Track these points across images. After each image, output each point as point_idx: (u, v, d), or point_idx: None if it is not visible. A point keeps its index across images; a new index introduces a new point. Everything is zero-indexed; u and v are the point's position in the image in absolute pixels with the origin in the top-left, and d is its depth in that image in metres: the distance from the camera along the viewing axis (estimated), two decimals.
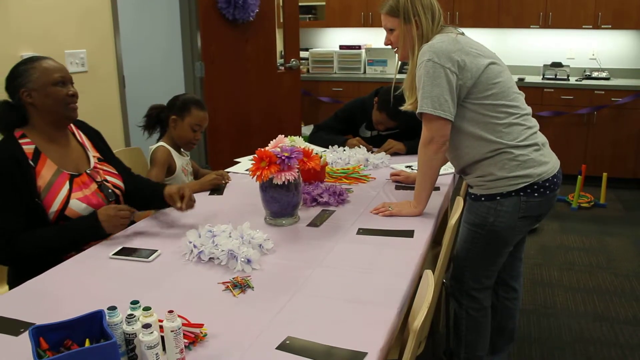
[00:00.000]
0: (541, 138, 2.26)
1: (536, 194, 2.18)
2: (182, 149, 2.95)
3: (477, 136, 2.19)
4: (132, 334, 1.31)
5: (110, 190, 2.27)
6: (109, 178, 2.31)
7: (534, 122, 2.26)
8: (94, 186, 2.22)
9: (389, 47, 2.35)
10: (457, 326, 2.46)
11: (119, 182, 2.36)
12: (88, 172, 2.24)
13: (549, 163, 2.22)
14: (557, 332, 3.19)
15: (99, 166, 2.31)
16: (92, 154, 2.33)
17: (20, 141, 2.10)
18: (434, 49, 2.12)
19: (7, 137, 2.11)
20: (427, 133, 2.20)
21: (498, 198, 2.19)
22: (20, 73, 2.09)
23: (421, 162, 2.28)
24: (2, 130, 2.14)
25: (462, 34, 2.25)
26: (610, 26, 5.78)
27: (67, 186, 2.13)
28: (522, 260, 2.60)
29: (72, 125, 2.31)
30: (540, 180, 2.17)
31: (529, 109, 2.27)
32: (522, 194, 2.17)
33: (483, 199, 2.22)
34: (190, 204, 2.27)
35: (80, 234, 2.09)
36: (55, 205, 2.09)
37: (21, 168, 2.04)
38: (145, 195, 2.39)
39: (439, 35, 2.20)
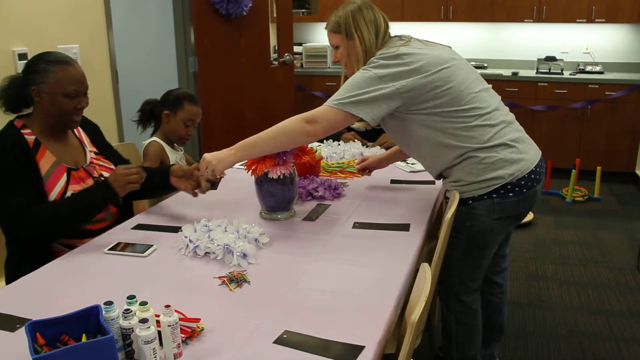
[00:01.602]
0: (512, 134, 2.14)
1: (511, 194, 2.11)
2: (175, 144, 2.94)
3: (440, 143, 2.12)
4: (129, 329, 1.31)
5: None
6: (105, 174, 2.29)
7: (500, 118, 2.14)
8: (90, 182, 2.22)
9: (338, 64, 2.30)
10: (446, 329, 2.44)
11: None
12: (85, 167, 2.24)
13: (522, 160, 2.12)
14: (551, 325, 3.20)
15: (95, 161, 2.31)
16: (89, 149, 2.33)
17: (22, 131, 2.11)
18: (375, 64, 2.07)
19: (9, 127, 2.13)
20: (319, 116, 2.06)
21: (470, 202, 2.14)
22: (38, 69, 2.07)
23: (282, 128, 2.10)
24: (7, 107, 2.13)
25: (409, 41, 2.15)
26: (604, 20, 5.79)
27: (64, 178, 2.14)
28: (506, 256, 2.57)
29: None
30: (513, 179, 2.10)
31: (494, 104, 2.15)
32: (495, 195, 2.11)
33: (457, 203, 2.16)
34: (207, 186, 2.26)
35: (91, 196, 2.09)
36: (53, 196, 2.09)
37: (23, 151, 2.06)
38: (152, 180, 2.33)
39: (379, 52, 2.12)
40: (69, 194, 2.12)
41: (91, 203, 2.09)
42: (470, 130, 2.08)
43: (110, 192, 2.08)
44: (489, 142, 2.08)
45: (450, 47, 2.24)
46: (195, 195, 2.28)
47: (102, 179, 2.23)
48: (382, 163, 2.74)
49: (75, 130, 2.31)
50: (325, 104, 2.08)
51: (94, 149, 2.36)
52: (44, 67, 2.07)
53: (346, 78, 2.18)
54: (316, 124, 2.06)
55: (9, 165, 2.02)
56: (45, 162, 2.11)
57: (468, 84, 2.11)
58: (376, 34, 2.16)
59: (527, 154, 2.15)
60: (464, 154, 2.10)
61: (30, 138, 2.11)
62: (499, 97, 2.24)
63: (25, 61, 3.17)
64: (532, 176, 2.14)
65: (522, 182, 2.11)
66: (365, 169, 2.75)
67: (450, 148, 2.11)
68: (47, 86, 2.06)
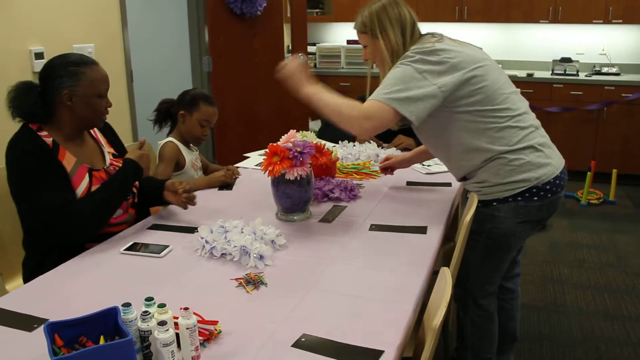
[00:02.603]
0: (540, 138, 2.14)
1: (535, 198, 2.10)
2: (190, 144, 2.93)
3: (470, 146, 2.10)
4: (147, 331, 1.30)
5: None
6: None
7: (529, 122, 2.13)
8: None
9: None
10: (462, 332, 2.43)
11: None
12: (105, 168, 2.22)
13: (548, 165, 2.11)
14: (567, 330, 3.17)
15: (115, 162, 2.29)
16: (107, 150, 2.31)
17: (39, 133, 2.06)
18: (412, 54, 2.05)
19: (24, 129, 2.07)
20: (371, 111, 2.03)
21: (494, 204, 2.13)
22: (68, 73, 2.03)
23: (341, 104, 2.11)
24: (21, 116, 2.07)
25: (442, 38, 2.14)
26: (621, 21, 5.74)
27: (87, 178, 2.11)
28: (519, 262, 2.55)
29: None
30: (539, 183, 2.08)
31: (523, 107, 2.15)
32: (520, 198, 2.09)
33: (480, 205, 2.15)
34: (191, 198, 2.25)
35: (124, 176, 2.14)
36: (78, 195, 2.06)
37: (44, 150, 2.03)
38: (150, 190, 2.37)
39: (413, 47, 2.11)
40: None
41: (125, 182, 2.14)
42: (500, 131, 2.07)
43: (138, 167, 2.15)
44: (517, 144, 2.07)
45: (481, 49, 2.23)
46: (185, 207, 2.27)
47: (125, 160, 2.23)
48: (404, 163, 2.76)
49: (91, 131, 2.30)
50: (373, 98, 2.04)
51: (112, 150, 2.34)
52: (74, 69, 2.03)
53: (372, 78, 2.15)
54: (371, 121, 2.04)
55: (36, 164, 1.99)
56: (67, 162, 2.08)
57: (500, 85, 2.10)
58: (402, 33, 2.15)
59: (553, 159, 2.14)
60: (492, 155, 2.09)
61: (48, 140, 2.07)
62: (527, 102, 2.22)
63: (42, 60, 3.22)
64: (557, 182, 2.12)
65: (547, 187, 2.10)
66: (388, 168, 2.75)
67: (479, 149, 2.10)
68: (81, 88, 2.04)
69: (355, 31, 2.28)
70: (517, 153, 2.07)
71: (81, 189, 2.08)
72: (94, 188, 2.11)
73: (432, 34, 2.18)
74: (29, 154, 2.00)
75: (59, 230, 1.98)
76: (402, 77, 2.02)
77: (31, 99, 2.05)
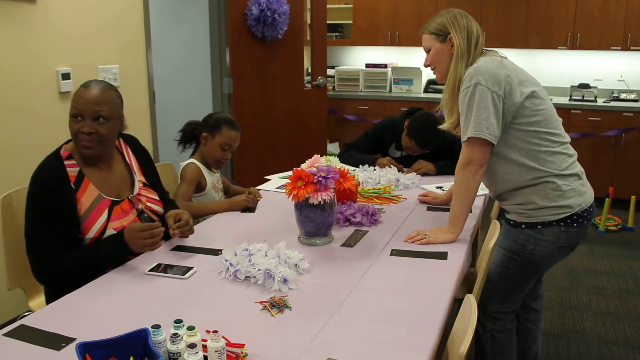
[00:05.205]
0: (580, 167, 2.25)
1: (575, 225, 2.18)
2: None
3: (519, 163, 2.17)
4: (177, 353, 1.32)
5: (146, 216, 2.24)
6: (148, 204, 2.28)
7: (573, 151, 2.25)
8: (132, 214, 2.19)
9: (428, 68, 2.38)
10: (481, 348, 2.44)
11: (159, 208, 2.32)
12: (130, 198, 2.22)
13: (586, 193, 2.22)
14: (587, 358, 3.14)
15: (143, 192, 2.28)
16: (138, 177, 2.30)
17: (66, 162, 2.08)
18: (480, 72, 2.11)
19: (54, 156, 2.10)
20: (467, 155, 2.18)
21: (539, 227, 2.18)
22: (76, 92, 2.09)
23: (458, 185, 2.25)
24: None
25: (505, 57, 2.24)
26: (639, 48, 5.74)
27: (105, 214, 2.10)
28: (542, 281, 2.62)
29: (122, 142, 2.31)
30: (579, 210, 2.17)
31: (568, 137, 2.26)
32: (562, 224, 2.17)
33: (524, 226, 2.21)
34: (186, 229, 2.21)
35: (113, 254, 2.05)
36: (92, 233, 2.07)
37: (64, 190, 2.03)
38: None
39: (483, 58, 2.20)
40: (107, 232, 2.08)
41: (112, 258, 2.05)
42: (552, 155, 2.16)
43: (130, 250, 2.04)
44: (565, 170, 2.17)
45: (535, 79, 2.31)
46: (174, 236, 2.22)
47: (145, 210, 2.23)
48: (439, 203, 2.82)
49: (125, 153, 2.30)
50: (469, 135, 2.15)
51: (143, 179, 2.33)
52: (77, 89, 2.09)
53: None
54: (471, 165, 2.18)
55: (48, 202, 2.00)
56: (87, 197, 2.08)
57: (554, 112, 2.22)
58: (468, 40, 2.24)
59: (588, 188, 2.25)
60: (541, 177, 2.16)
61: (74, 171, 2.08)
62: None
63: (69, 81, 3.29)
64: (591, 209, 2.23)
65: (585, 214, 2.19)
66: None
67: (528, 169, 2.17)
68: (70, 105, 2.07)
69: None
70: (565, 179, 2.16)
71: (97, 226, 2.08)
72: (110, 225, 2.10)
73: (496, 52, 2.29)
74: (46, 192, 2.01)
75: (36, 273, 2.07)
76: (479, 102, 2.12)
77: None
